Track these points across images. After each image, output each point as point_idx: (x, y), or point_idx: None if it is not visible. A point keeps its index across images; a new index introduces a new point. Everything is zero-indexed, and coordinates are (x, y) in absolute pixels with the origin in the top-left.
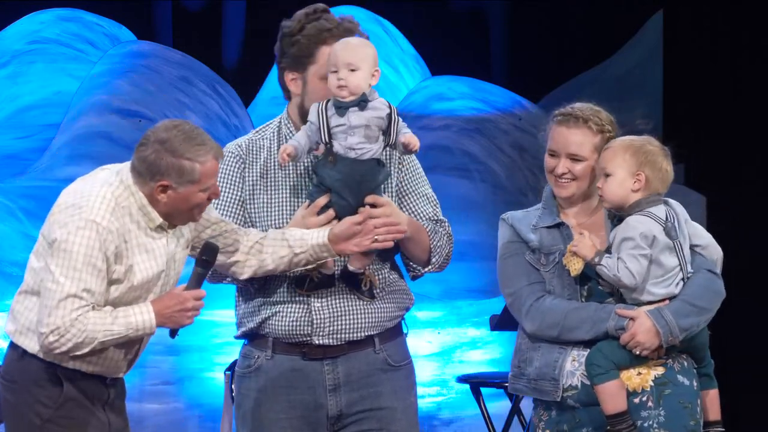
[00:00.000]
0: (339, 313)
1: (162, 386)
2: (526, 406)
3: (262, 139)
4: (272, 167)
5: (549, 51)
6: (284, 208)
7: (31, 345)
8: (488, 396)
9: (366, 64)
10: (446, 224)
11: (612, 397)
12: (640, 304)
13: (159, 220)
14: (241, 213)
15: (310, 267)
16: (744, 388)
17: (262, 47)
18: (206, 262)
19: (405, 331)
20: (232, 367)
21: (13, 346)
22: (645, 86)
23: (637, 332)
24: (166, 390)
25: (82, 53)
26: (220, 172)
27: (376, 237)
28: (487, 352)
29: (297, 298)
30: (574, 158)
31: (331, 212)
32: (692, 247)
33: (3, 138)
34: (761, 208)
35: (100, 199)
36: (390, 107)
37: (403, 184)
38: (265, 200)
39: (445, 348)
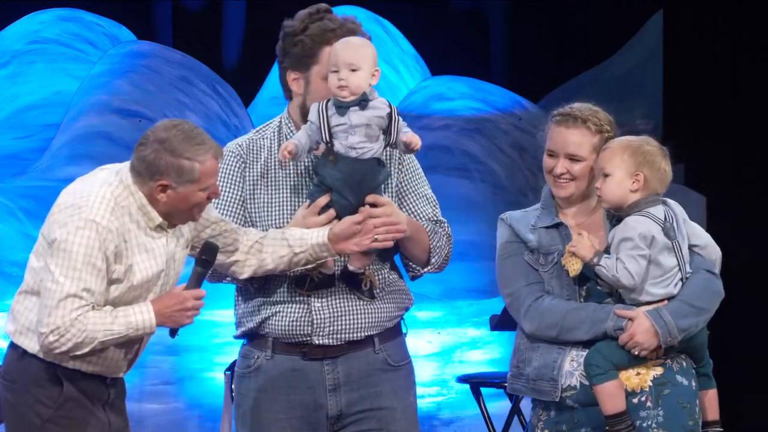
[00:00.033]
0: (339, 313)
1: (162, 386)
2: (526, 406)
3: (263, 139)
4: (273, 167)
5: (549, 51)
6: (285, 207)
7: (31, 345)
8: (488, 396)
9: (367, 64)
10: (446, 225)
11: (611, 397)
12: (638, 304)
13: (158, 219)
14: (242, 212)
15: (310, 267)
16: (744, 388)
17: (262, 47)
18: (206, 261)
19: (404, 331)
20: (232, 367)
21: (13, 346)
22: (645, 86)
23: (635, 332)
24: (166, 390)
25: (82, 53)
26: (221, 171)
27: (375, 236)
28: (487, 352)
29: (297, 298)
30: (573, 158)
31: (331, 212)
32: (691, 247)
33: (3, 138)
34: (761, 208)
35: (100, 199)
36: (390, 106)
37: (403, 184)
38: (266, 200)
39: (445, 348)
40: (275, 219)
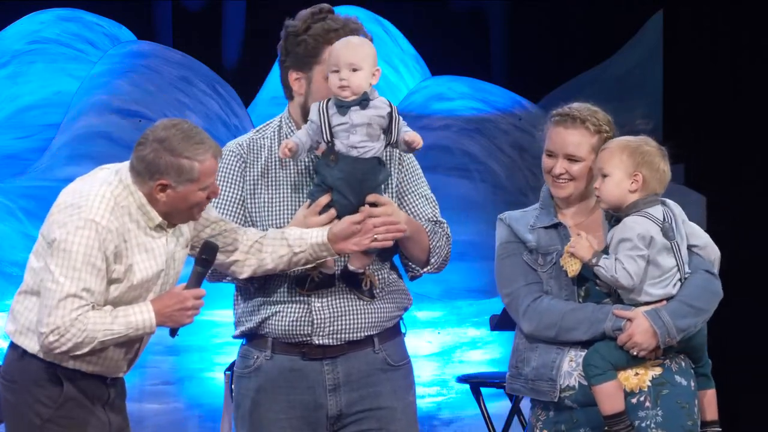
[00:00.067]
0: (339, 313)
1: (162, 386)
2: (526, 406)
3: (263, 139)
4: (273, 166)
5: (549, 51)
6: (285, 207)
7: (31, 345)
8: (488, 396)
9: (367, 63)
10: (445, 225)
11: (609, 397)
12: (637, 304)
13: (158, 219)
14: (241, 212)
15: (310, 266)
16: (744, 388)
17: (262, 47)
18: (206, 261)
19: (403, 331)
20: (232, 367)
21: (13, 346)
22: (645, 86)
23: (634, 333)
24: (166, 390)
25: (82, 53)
26: (221, 170)
27: (375, 236)
28: (487, 352)
29: (297, 298)
30: (572, 159)
31: (332, 211)
32: (690, 247)
33: (3, 138)
34: (761, 208)
35: (99, 199)
36: (390, 106)
37: (403, 184)
38: (266, 199)
39: (445, 348)
40: (275, 219)
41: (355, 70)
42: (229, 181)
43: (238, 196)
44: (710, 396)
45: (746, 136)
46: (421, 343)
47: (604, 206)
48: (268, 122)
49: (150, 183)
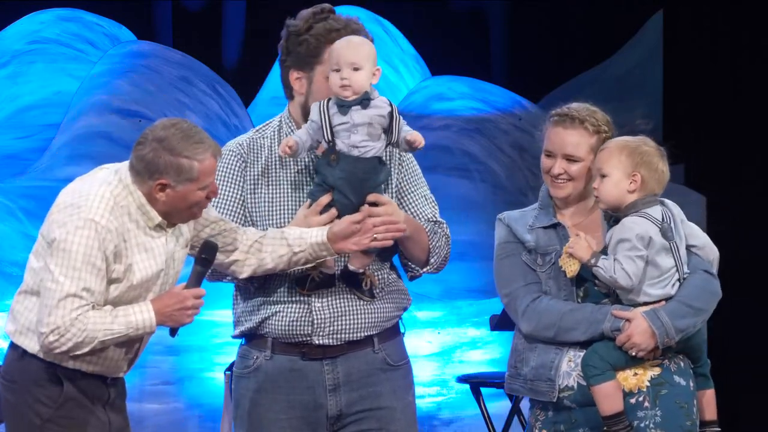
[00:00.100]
0: (339, 313)
1: (162, 386)
2: (527, 406)
3: (263, 138)
4: (273, 166)
5: (549, 51)
6: (285, 206)
7: (31, 345)
8: (488, 396)
9: (368, 62)
10: (444, 225)
11: (608, 398)
12: (636, 305)
13: (158, 219)
14: (241, 212)
15: (310, 266)
16: (744, 388)
17: (262, 47)
18: (205, 260)
19: (402, 330)
20: (232, 367)
21: (13, 346)
22: (645, 86)
23: (633, 333)
24: (166, 390)
25: (82, 53)
26: (221, 170)
27: (375, 235)
28: (487, 352)
29: (297, 298)
30: (571, 159)
31: (333, 211)
32: (688, 247)
33: (3, 138)
34: (761, 208)
35: (99, 198)
36: (391, 105)
37: (403, 184)
38: (266, 199)
39: (445, 348)
40: (276, 218)
41: (356, 69)
42: (229, 180)
43: (238, 196)
44: (709, 396)
45: (746, 136)
46: (421, 343)
47: (602, 206)
48: (267, 122)
49: (149, 182)
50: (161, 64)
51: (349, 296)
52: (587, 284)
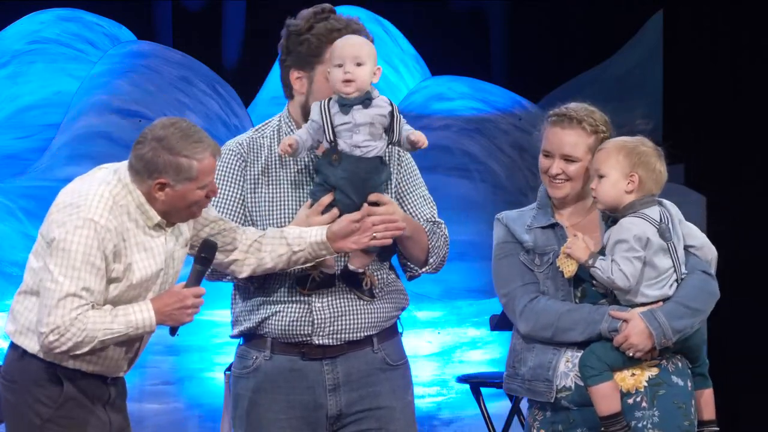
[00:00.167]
0: (339, 313)
1: (162, 386)
2: (526, 406)
3: (263, 138)
4: (273, 165)
5: (549, 51)
6: (285, 206)
7: (31, 345)
8: (488, 396)
9: (370, 60)
10: (443, 226)
11: (605, 398)
12: (633, 305)
13: (157, 218)
14: (241, 211)
15: (310, 266)
16: (744, 388)
17: (262, 47)
18: (205, 259)
19: (400, 330)
20: (231, 367)
21: (13, 346)
22: (645, 86)
23: (630, 334)
24: (166, 390)
25: (82, 53)
26: (221, 169)
27: (374, 234)
28: (487, 352)
29: (297, 298)
30: (568, 159)
31: (335, 211)
32: (686, 247)
33: (3, 138)
34: (761, 208)
35: (98, 198)
36: (391, 104)
37: (402, 184)
38: (267, 198)
39: (445, 348)
40: (276, 218)
41: (359, 64)
42: (229, 180)
43: (238, 195)
44: (707, 396)
45: (746, 136)
46: (421, 343)
47: (600, 207)
48: (266, 122)
49: (149, 182)
50: (161, 64)
51: (349, 296)
52: (585, 284)
